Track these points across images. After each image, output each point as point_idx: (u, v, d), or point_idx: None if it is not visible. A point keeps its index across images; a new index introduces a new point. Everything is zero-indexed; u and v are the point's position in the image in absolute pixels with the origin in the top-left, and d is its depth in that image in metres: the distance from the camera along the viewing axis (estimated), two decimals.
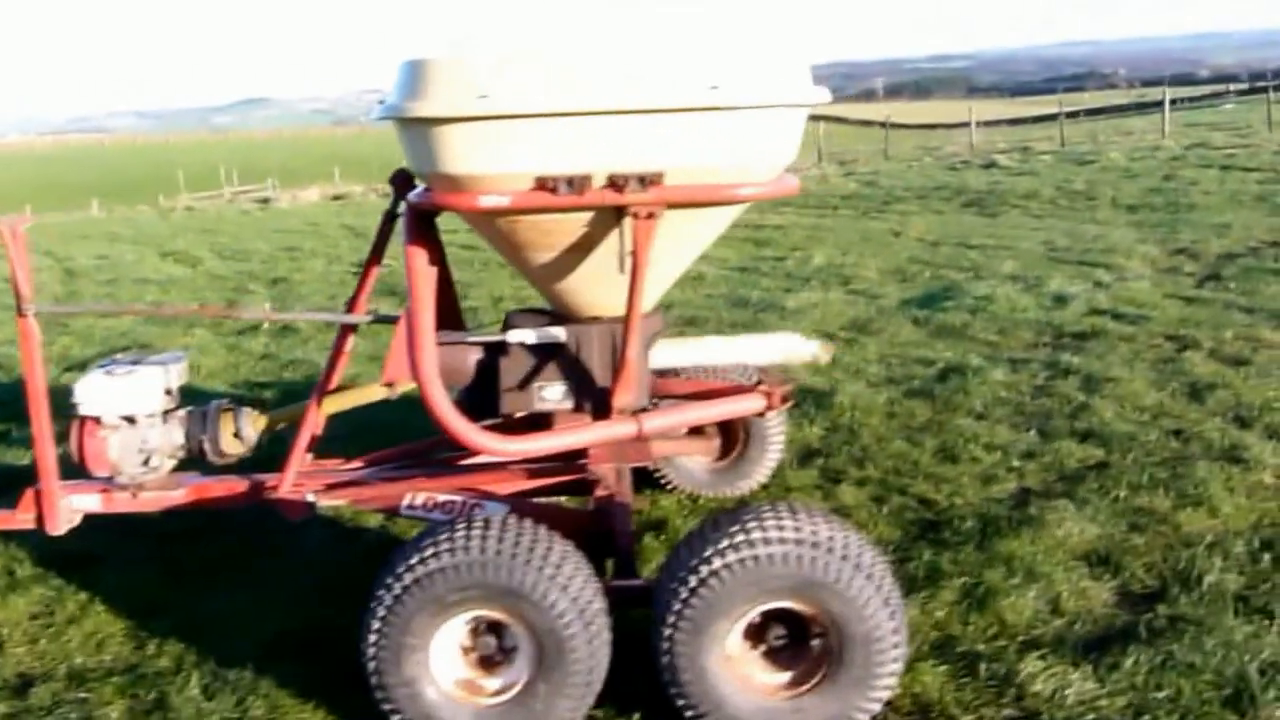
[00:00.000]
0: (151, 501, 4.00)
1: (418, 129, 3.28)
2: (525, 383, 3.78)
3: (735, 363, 4.44)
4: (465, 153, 3.23)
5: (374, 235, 3.93)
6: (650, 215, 3.27)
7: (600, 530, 3.54)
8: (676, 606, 2.98)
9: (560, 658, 3.01)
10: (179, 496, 4.01)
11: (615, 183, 3.22)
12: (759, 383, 4.00)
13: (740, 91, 3.18)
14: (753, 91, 3.21)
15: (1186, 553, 4.06)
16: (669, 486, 4.89)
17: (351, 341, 4.06)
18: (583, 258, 3.54)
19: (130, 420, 3.88)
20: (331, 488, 3.96)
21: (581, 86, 3.13)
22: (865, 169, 24.97)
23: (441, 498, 3.77)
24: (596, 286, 3.62)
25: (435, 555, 3.01)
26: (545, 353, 3.77)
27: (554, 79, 3.13)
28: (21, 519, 4.00)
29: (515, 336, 3.78)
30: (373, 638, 3.03)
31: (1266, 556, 4.00)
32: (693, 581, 2.97)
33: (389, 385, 3.90)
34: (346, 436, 5.28)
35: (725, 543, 2.98)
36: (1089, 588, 3.87)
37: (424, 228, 3.68)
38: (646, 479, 4.90)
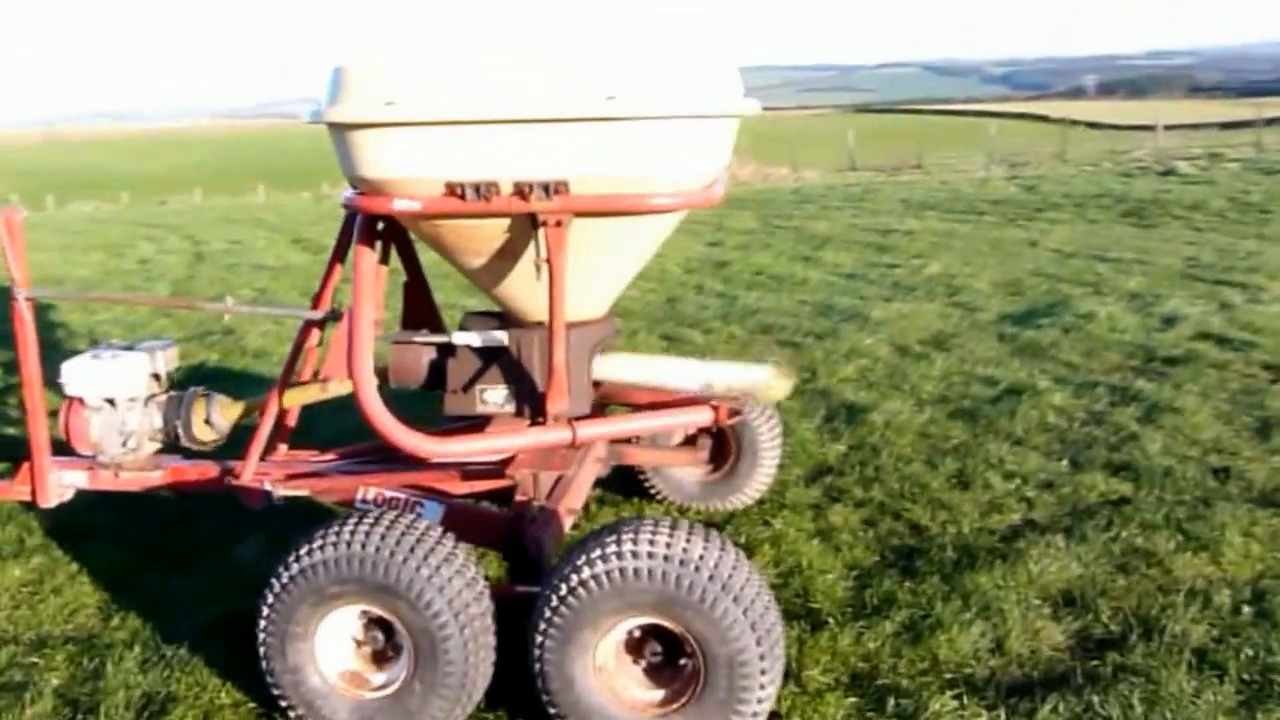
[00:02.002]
0: (132, 481, 4.19)
1: (339, 133, 3.34)
2: (469, 385, 3.81)
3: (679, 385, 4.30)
4: (377, 157, 3.28)
5: (338, 235, 4.00)
6: (559, 223, 3.26)
7: (516, 535, 3.54)
8: (547, 614, 2.98)
9: (434, 658, 3.04)
10: (157, 478, 4.19)
11: (521, 190, 3.21)
12: (711, 397, 3.93)
13: (639, 102, 3.13)
14: (653, 102, 3.16)
15: (1163, 599, 3.81)
16: (658, 497, 4.84)
17: (316, 337, 4.14)
18: (512, 263, 3.54)
19: (111, 402, 4.08)
20: (292, 478, 4.06)
21: (484, 94, 3.14)
22: (1034, 173, 24.11)
23: (389, 494, 3.83)
24: (532, 292, 3.60)
25: (320, 548, 3.09)
26: (488, 356, 3.79)
27: (458, 86, 3.15)
28: (17, 490, 4.28)
29: (460, 339, 3.80)
30: (263, 623, 3.14)
31: (1249, 609, 3.72)
32: (562, 590, 2.97)
33: (324, 381, 3.98)
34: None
35: (595, 553, 2.96)
36: (1044, 629, 3.68)
37: (374, 229, 3.74)
38: (637, 488, 4.87)
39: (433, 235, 3.54)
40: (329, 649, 3.17)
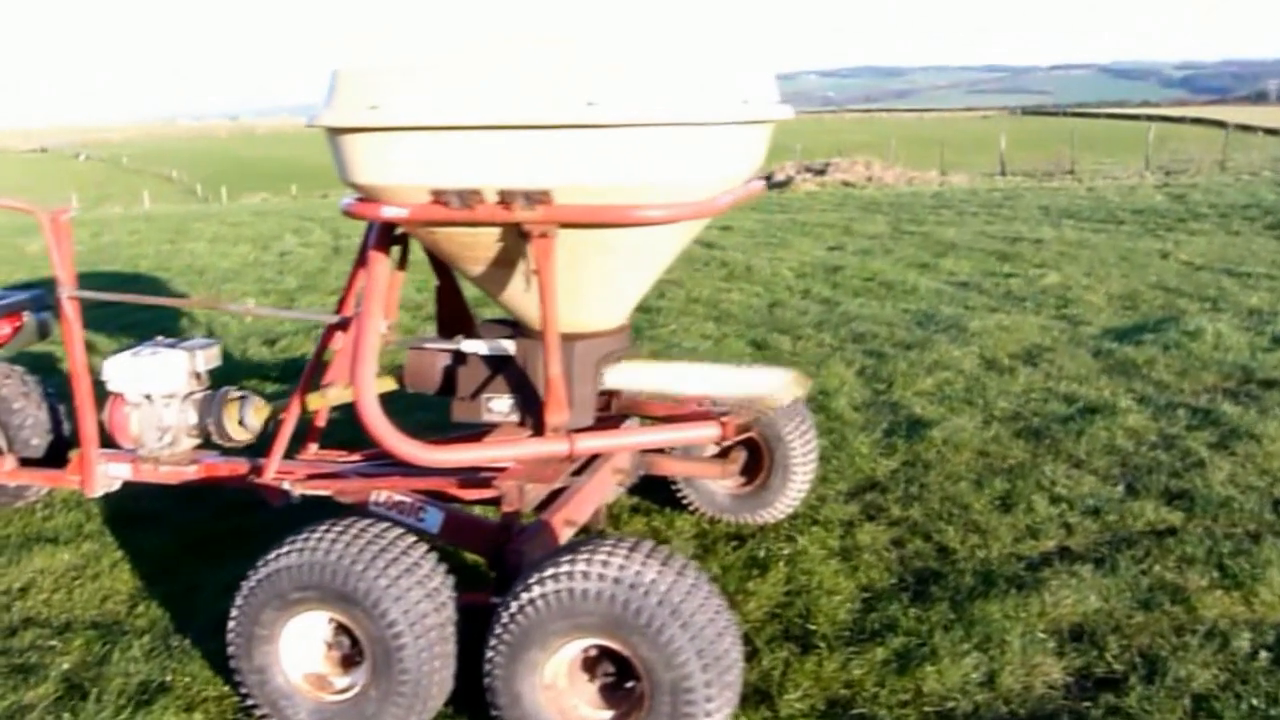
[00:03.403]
0: (170, 475, 4.35)
1: (331, 138, 3.37)
2: (476, 393, 3.85)
3: (689, 391, 4.25)
4: (365, 163, 3.30)
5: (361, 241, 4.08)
6: (544, 234, 3.23)
7: (500, 546, 3.57)
8: (498, 630, 3.00)
9: (388, 666, 3.08)
10: (192, 472, 4.34)
11: (505, 199, 3.18)
12: (723, 413, 3.89)
13: (620, 108, 3.02)
14: (635, 109, 3.04)
15: (1177, 639, 3.63)
16: (690, 508, 4.81)
17: (339, 340, 4.22)
18: (510, 272, 3.54)
19: (149, 399, 4.25)
20: (312, 478, 4.16)
21: (464, 98, 3.09)
22: (1188, 180, 23.08)
23: (397, 498, 3.90)
24: (534, 302, 3.58)
25: (289, 553, 3.17)
26: (496, 365, 3.81)
27: (438, 90, 3.12)
28: (69, 480, 4.50)
29: (469, 347, 3.84)
30: (232, 623, 3.24)
31: (1266, 655, 3.51)
32: (513, 607, 2.98)
33: (325, 386, 4.06)
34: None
35: (548, 572, 2.96)
36: (1042, 664, 3.54)
37: (389, 234, 3.80)
38: (670, 498, 4.85)
39: (431, 242, 3.58)
40: (293, 651, 3.25)
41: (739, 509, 4.74)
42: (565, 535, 3.78)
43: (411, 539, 3.28)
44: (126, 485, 4.46)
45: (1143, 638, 3.67)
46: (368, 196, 3.42)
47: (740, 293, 10.41)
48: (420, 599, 3.11)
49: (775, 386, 3.78)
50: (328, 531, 3.19)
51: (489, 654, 3.01)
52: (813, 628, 3.81)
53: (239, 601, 3.22)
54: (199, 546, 4.66)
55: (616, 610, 2.87)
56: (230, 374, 7.15)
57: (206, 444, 4.40)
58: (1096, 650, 3.60)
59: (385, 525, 3.29)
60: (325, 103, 3.36)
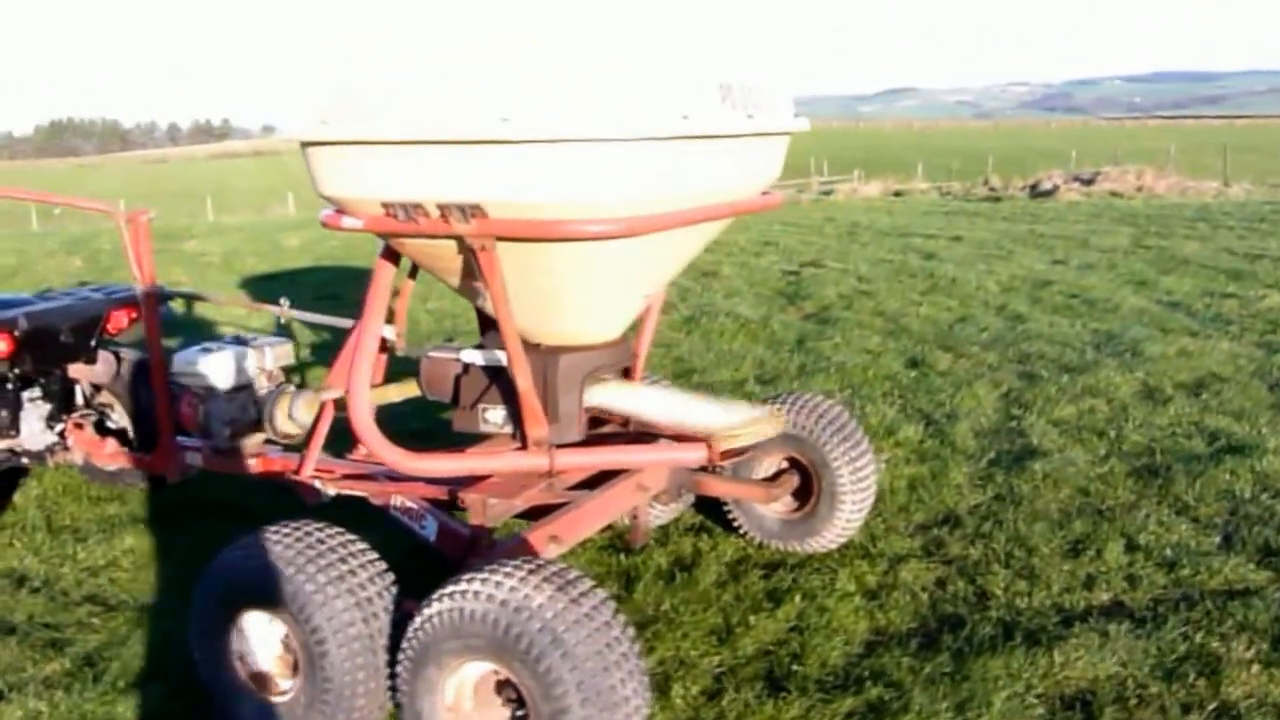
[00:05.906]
0: (233, 465, 4.61)
1: (301, 150, 3.51)
2: (474, 403, 3.90)
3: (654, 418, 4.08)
4: (323, 175, 3.45)
5: None
6: (483, 246, 3.26)
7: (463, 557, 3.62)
8: (404, 645, 3.04)
9: (313, 672, 3.17)
10: (252, 465, 4.58)
11: (444, 213, 3.24)
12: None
13: (532, 125, 2.99)
14: (545, 125, 2.99)
15: (1182, 717, 3.28)
16: (740, 531, 4.70)
17: None
18: (480, 282, 3.55)
19: (212, 392, 4.51)
20: (347, 478, 4.31)
21: (398, 115, 3.17)
22: None
23: (409, 503, 4.00)
24: (521, 314, 3.59)
25: (234, 552, 3.34)
26: (493, 376, 3.86)
27: (377, 106, 3.21)
28: (150, 464, 4.86)
29: (468, 357, 3.90)
30: (192, 616, 3.42)
31: None
32: (416, 623, 3.01)
33: (322, 389, 4.18)
34: None
35: (448, 589, 2.97)
36: None
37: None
38: (722, 518, 4.76)
39: (406, 253, 3.68)
40: (242, 649, 3.38)
41: (788, 536, 4.60)
42: (549, 552, 3.76)
43: (358, 546, 3.36)
44: (226, 478, 4.72)
45: (1144, 712, 3.33)
46: (334, 207, 3.55)
47: (932, 307, 10.04)
48: (347, 607, 3.17)
49: (733, 424, 3.66)
50: (274, 533, 3.32)
51: (397, 668, 3.06)
52: (796, 669, 3.66)
53: (196, 595, 3.39)
54: None
55: (499, 634, 2.85)
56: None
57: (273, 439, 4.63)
58: None
59: (333, 530, 3.39)
60: (297, 116, 3.49)
